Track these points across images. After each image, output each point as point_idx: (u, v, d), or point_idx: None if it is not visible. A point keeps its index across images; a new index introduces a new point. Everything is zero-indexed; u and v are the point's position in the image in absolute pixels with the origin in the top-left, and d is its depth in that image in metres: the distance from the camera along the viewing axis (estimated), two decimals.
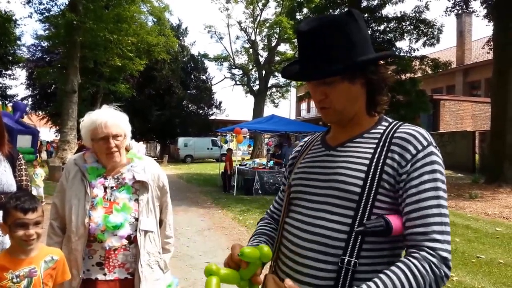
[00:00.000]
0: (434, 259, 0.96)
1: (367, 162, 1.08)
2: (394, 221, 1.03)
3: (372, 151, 1.10)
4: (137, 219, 1.93)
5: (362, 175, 1.07)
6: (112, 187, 1.96)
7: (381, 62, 1.17)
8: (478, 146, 16.60)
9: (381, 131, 1.14)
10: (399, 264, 0.99)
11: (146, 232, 1.95)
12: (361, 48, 1.10)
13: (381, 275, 0.98)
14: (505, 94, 12.53)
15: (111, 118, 1.94)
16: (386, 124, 1.17)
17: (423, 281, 0.95)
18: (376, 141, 1.12)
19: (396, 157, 1.06)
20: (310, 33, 1.10)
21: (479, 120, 21.90)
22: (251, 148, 30.95)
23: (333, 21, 1.10)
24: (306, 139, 1.40)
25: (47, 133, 37.04)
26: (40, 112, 32.19)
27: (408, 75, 14.89)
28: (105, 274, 1.90)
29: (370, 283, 0.96)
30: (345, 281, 1.04)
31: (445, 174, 1.09)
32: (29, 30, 72.42)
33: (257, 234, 1.33)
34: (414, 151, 1.05)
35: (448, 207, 1.05)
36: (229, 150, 13.79)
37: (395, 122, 1.18)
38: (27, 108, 27.06)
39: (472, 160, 16.35)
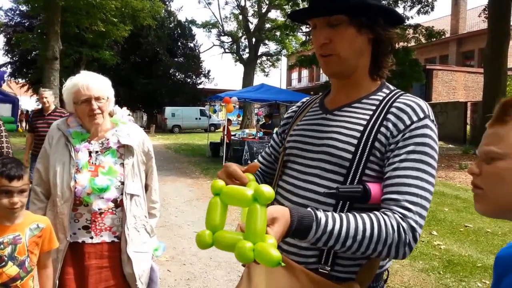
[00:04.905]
0: (404, 224, 0.94)
1: (361, 128, 1.06)
2: (375, 189, 1.01)
3: (368, 117, 1.07)
4: (123, 183, 1.94)
5: (355, 141, 1.05)
6: (97, 152, 1.96)
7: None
8: (470, 117, 16.59)
9: (381, 98, 1.11)
10: (370, 213, 0.97)
11: (132, 195, 1.96)
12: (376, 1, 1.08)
13: (349, 213, 0.96)
14: (499, 65, 12.41)
15: (93, 81, 1.94)
16: (387, 91, 1.13)
17: (386, 236, 0.93)
18: (374, 107, 1.09)
19: (390, 126, 1.03)
20: None
21: (472, 90, 21.80)
22: (240, 118, 30.62)
23: None
24: (304, 99, 1.36)
25: (28, 101, 35.94)
26: (20, 80, 31.05)
27: (401, 44, 14.55)
28: (92, 238, 1.91)
29: (336, 215, 0.95)
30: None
31: (438, 150, 1.04)
32: None
33: None
34: (408, 122, 1.02)
35: (437, 178, 0.87)
36: (229, 120, 13.67)
37: (397, 90, 1.14)
38: (5, 75, 26.09)
39: (464, 131, 16.40)
